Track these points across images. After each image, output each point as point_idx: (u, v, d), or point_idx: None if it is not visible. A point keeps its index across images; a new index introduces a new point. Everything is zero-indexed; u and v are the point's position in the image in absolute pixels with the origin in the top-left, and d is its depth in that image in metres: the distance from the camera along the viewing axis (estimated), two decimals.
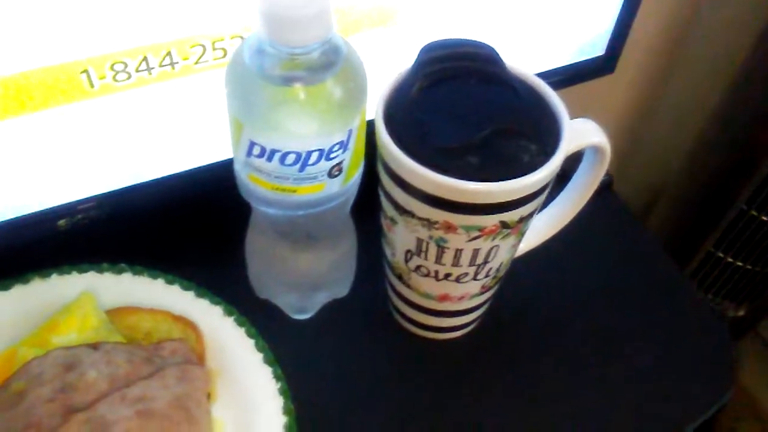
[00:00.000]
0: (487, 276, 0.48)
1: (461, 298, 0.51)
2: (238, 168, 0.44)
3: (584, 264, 0.65)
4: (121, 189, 0.52)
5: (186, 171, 0.54)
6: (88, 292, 0.51)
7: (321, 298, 0.57)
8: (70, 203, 0.52)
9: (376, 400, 0.54)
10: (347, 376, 0.55)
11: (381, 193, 0.46)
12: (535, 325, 0.60)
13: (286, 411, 0.48)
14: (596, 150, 0.46)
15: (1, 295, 0.52)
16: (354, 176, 0.45)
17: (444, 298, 0.50)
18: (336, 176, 0.43)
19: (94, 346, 0.47)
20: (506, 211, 0.41)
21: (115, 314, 0.52)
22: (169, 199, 0.54)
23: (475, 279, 0.48)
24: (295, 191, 0.43)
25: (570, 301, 0.62)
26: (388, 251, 0.51)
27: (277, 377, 0.50)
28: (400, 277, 0.51)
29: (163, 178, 0.53)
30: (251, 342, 0.52)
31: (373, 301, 0.59)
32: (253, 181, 0.43)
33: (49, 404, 0.43)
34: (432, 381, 0.55)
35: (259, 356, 0.51)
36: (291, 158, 0.40)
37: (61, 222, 0.53)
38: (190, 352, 0.49)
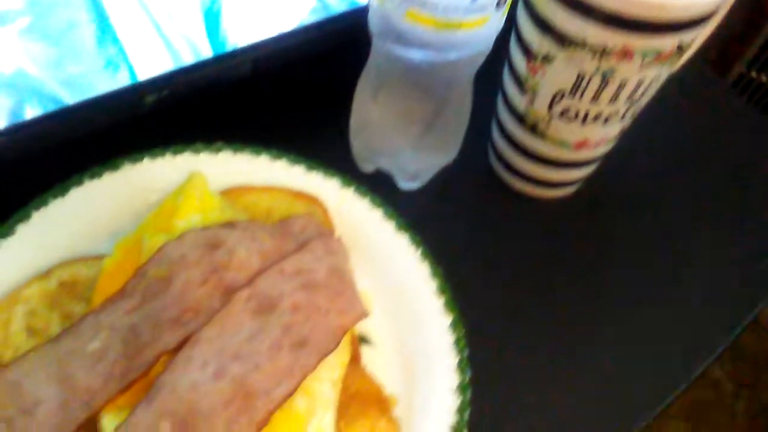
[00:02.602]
0: (631, 117, 0.47)
1: (597, 145, 0.49)
2: (391, 8, 0.39)
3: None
4: (207, 59, 0.47)
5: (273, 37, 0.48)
6: (198, 173, 0.46)
7: (431, 164, 0.53)
8: (156, 77, 0.46)
9: (494, 262, 0.52)
10: (464, 243, 0.53)
11: (528, 38, 0.43)
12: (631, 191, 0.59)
13: (435, 273, 0.46)
14: None
15: (93, 184, 0.46)
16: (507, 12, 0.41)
17: (581, 145, 0.48)
18: (501, 7, 0.39)
19: (230, 225, 0.43)
20: (687, 30, 0.39)
21: (228, 196, 0.47)
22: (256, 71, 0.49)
23: (621, 119, 0.46)
24: (459, 26, 0.38)
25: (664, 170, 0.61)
26: (521, 101, 0.48)
27: (415, 243, 0.47)
28: (533, 128, 0.48)
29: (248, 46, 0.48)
30: (379, 211, 0.48)
31: (481, 167, 0.56)
32: (410, 20, 0.39)
33: (202, 286, 0.39)
34: (546, 241, 0.54)
35: (391, 224, 0.48)
36: None
37: (148, 98, 0.47)
38: (321, 226, 0.46)
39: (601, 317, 0.51)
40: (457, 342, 0.43)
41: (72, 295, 0.42)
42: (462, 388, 0.41)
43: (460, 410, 0.40)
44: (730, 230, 0.57)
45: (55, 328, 0.40)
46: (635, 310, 0.51)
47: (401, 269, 0.46)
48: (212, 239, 0.41)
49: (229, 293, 0.39)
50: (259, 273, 0.40)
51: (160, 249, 0.41)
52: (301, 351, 0.38)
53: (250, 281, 0.40)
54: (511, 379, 0.46)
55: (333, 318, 0.40)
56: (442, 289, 0.45)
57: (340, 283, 0.42)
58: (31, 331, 0.40)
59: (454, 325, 0.43)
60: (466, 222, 0.54)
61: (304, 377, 0.37)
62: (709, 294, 0.53)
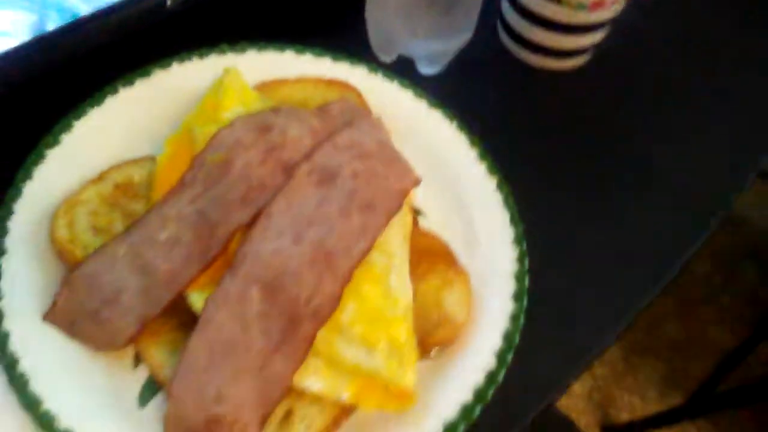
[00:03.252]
0: None
1: (613, 3, 0.50)
2: None
3: None
4: None
5: None
6: (232, 68, 0.46)
7: (448, 46, 0.54)
8: None
9: (517, 134, 0.54)
10: (486, 119, 0.54)
11: None
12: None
13: (473, 142, 0.47)
14: None
15: (127, 91, 0.46)
16: None
17: (597, 5, 0.50)
18: None
19: (276, 110, 0.43)
20: None
21: (262, 91, 0.47)
22: None
23: None
24: None
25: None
26: None
27: (450, 117, 0.48)
28: None
29: None
30: (409, 92, 0.49)
31: (493, 46, 0.58)
32: None
33: (262, 166, 0.40)
34: (561, 112, 0.56)
35: (422, 103, 0.49)
36: None
37: (169, 1, 0.47)
38: (358, 108, 0.47)
39: (611, 190, 0.53)
40: (506, 200, 0.45)
41: (129, 195, 0.42)
42: (518, 240, 0.43)
43: (520, 259, 0.42)
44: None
45: (119, 225, 0.41)
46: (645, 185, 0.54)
47: (440, 143, 0.48)
48: (262, 123, 0.42)
49: (289, 170, 0.40)
50: (314, 149, 0.41)
51: (213, 137, 0.41)
52: (370, 213, 0.39)
53: (307, 156, 0.41)
54: None
55: (392, 182, 0.41)
56: (483, 156, 0.46)
57: (391, 152, 0.43)
58: (96, 230, 0.40)
59: (501, 186, 0.45)
60: (486, 100, 0.55)
61: (376, 236, 0.38)
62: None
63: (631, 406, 1.43)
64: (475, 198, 0.45)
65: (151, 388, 0.38)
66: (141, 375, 0.38)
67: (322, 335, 0.36)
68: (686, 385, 1.42)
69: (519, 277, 0.42)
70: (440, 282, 0.40)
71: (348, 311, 0.37)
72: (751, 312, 1.55)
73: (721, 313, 1.57)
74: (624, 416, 1.38)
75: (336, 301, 0.36)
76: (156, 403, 0.37)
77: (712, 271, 1.63)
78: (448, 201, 0.46)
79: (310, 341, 0.36)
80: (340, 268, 0.37)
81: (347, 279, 0.37)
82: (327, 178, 0.40)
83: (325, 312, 0.36)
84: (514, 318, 0.40)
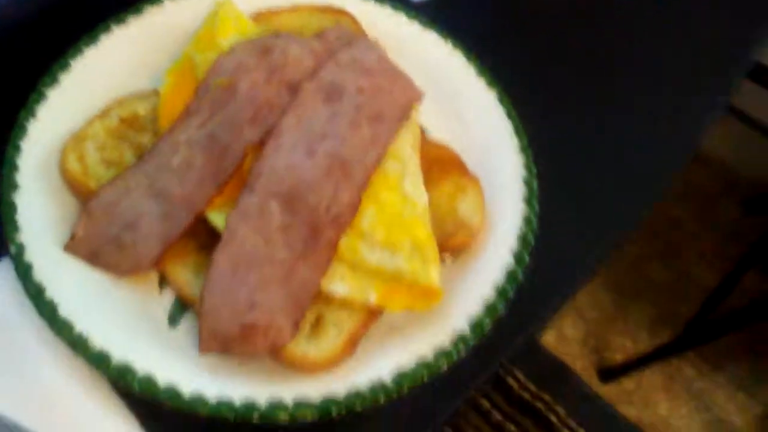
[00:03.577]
0: None
1: None
2: None
3: None
4: None
5: None
6: (225, 0, 0.46)
7: None
8: None
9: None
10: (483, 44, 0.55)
11: None
12: None
13: (470, 57, 0.48)
14: None
15: (121, 30, 0.45)
16: None
17: None
18: None
19: (276, 34, 0.43)
20: None
21: (256, 21, 0.47)
22: None
23: None
24: None
25: None
26: None
27: (444, 36, 0.49)
28: None
29: None
30: (401, 15, 0.50)
31: None
32: None
33: (268, 86, 0.40)
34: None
35: (415, 23, 0.49)
36: None
37: None
38: (354, 33, 0.47)
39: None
40: (508, 112, 0.45)
41: (135, 129, 0.42)
42: (524, 148, 0.44)
43: (528, 165, 0.43)
44: None
45: (129, 157, 0.41)
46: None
47: (437, 62, 0.48)
48: (263, 46, 0.42)
49: (294, 88, 0.40)
50: (317, 68, 0.41)
51: (215, 62, 0.41)
52: (379, 124, 0.40)
53: (312, 75, 0.41)
54: None
55: (397, 95, 0.41)
56: (481, 71, 0.47)
57: (393, 68, 0.43)
58: (107, 162, 0.40)
59: (501, 98, 0.46)
60: (477, 21, 0.55)
61: (387, 145, 0.39)
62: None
63: (624, 348, 1.46)
64: (477, 112, 0.46)
65: (179, 309, 0.38)
66: (167, 298, 0.38)
67: (344, 242, 0.37)
68: (675, 325, 1.45)
69: (528, 182, 0.42)
70: (453, 189, 0.41)
71: (367, 217, 0.37)
72: (732, 249, 1.59)
73: (702, 253, 1.61)
74: (618, 358, 1.41)
75: (355, 207, 0.37)
76: (186, 322, 0.37)
77: (691, 213, 1.66)
78: (451, 117, 0.46)
79: (334, 248, 0.36)
80: (356, 176, 0.37)
81: (364, 186, 0.37)
82: (333, 94, 0.40)
83: (346, 218, 0.37)
84: (528, 220, 0.41)
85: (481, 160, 0.44)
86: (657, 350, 1.31)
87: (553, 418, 1.34)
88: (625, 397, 1.43)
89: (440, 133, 0.46)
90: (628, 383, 1.42)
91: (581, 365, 1.44)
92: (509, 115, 0.45)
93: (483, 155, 0.44)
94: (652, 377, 1.43)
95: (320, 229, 0.36)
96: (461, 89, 0.47)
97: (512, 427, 1.31)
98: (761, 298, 1.18)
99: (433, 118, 0.46)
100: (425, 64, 0.48)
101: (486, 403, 1.32)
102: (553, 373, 1.38)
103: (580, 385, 1.39)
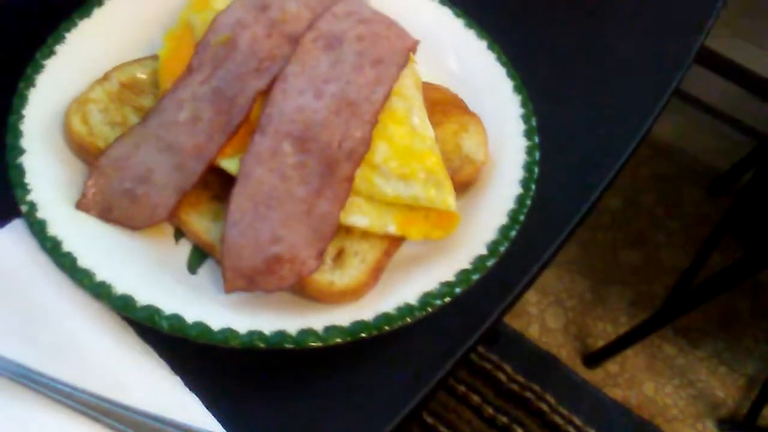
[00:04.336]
0: None
1: None
2: None
3: None
4: None
5: None
6: None
7: None
8: None
9: None
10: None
11: None
12: None
13: (468, 24, 0.49)
14: None
15: (113, 2, 0.46)
16: None
17: None
18: None
19: None
20: None
21: None
22: None
23: None
24: None
25: None
26: None
27: (442, 3, 0.50)
28: None
29: None
30: None
31: None
32: None
33: (268, 39, 0.41)
34: None
35: None
36: None
37: None
38: None
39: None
40: (499, 57, 0.47)
41: (136, 92, 0.42)
42: (518, 88, 0.46)
43: (524, 103, 0.45)
44: None
45: (133, 119, 0.41)
46: None
47: (425, 19, 0.49)
48: (260, 3, 0.43)
49: (294, 40, 0.41)
50: (314, 20, 0.42)
51: (213, 21, 0.42)
52: (381, 66, 0.41)
53: (310, 26, 0.42)
54: None
55: (395, 42, 0.42)
56: (470, 24, 0.49)
57: (387, 18, 0.45)
58: (111, 123, 0.40)
59: (492, 47, 0.48)
60: None
61: (392, 84, 0.40)
62: None
63: (606, 333, 1.48)
64: (469, 60, 0.47)
65: (198, 257, 0.38)
66: (184, 249, 0.38)
67: (359, 175, 0.37)
68: (651, 305, 1.49)
69: (526, 118, 0.44)
70: (456, 127, 0.42)
71: (380, 151, 0.38)
72: (697, 230, 1.64)
73: (670, 237, 1.65)
74: (600, 343, 1.43)
75: (367, 142, 0.38)
76: (205, 269, 0.37)
77: (657, 201, 1.71)
78: (444, 68, 0.48)
79: (350, 180, 0.37)
80: (365, 113, 0.38)
81: (373, 122, 0.38)
82: (333, 43, 0.41)
83: (359, 153, 0.37)
84: (530, 151, 0.42)
85: (477, 102, 0.45)
86: (636, 329, 1.33)
87: (544, 407, 1.35)
88: (610, 380, 1.45)
89: (436, 82, 0.47)
90: (612, 366, 1.44)
91: (566, 354, 1.46)
92: (500, 61, 0.47)
93: (479, 98, 0.45)
94: (635, 359, 1.45)
95: (335, 164, 0.37)
96: (451, 41, 0.48)
97: (504, 419, 1.32)
98: (727, 270, 1.22)
99: (425, 69, 0.47)
100: (414, 18, 0.49)
101: (476, 398, 1.33)
102: (540, 364, 1.40)
103: (567, 373, 1.41)
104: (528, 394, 1.38)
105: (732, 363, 1.47)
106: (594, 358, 1.41)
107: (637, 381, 1.43)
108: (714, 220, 1.60)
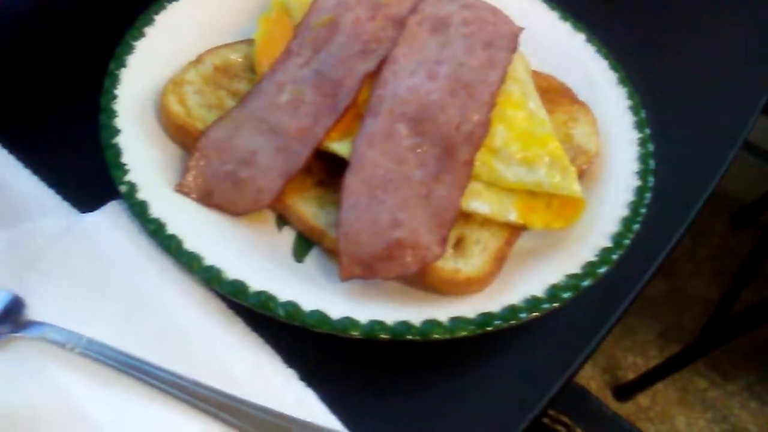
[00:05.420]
0: None
1: None
2: None
3: None
4: None
5: None
6: None
7: None
8: None
9: None
10: None
11: None
12: None
13: (564, 17, 0.48)
14: None
15: None
16: None
17: None
18: None
19: None
20: None
21: None
22: None
23: None
24: None
25: None
26: None
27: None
28: None
29: None
30: None
31: None
32: None
33: (372, 21, 0.40)
34: None
35: None
36: None
37: None
38: None
39: None
40: (599, 50, 0.45)
41: (230, 76, 0.40)
42: (623, 81, 0.44)
43: (631, 95, 0.43)
44: None
45: (229, 102, 0.39)
46: None
47: (518, 7, 0.47)
48: None
49: (398, 23, 0.40)
50: (417, 4, 0.41)
51: (313, 4, 0.40)
52: (492, 49, 0.39)
53: (414, 9, 0.40)
54: None
55: (501, 26, 0.41)
56: (565, 16, 0.47)
57: (489, 4, 0.43)
58: (208, 106, 0.38)
59: (591, 40, 0.46)
60: None
61: (506, 67, 0.38)
62: None
63: (635, 365, 1.45)
64: (569, 53, 0.45)
65: (303, 245, 0.35)
66: (287, 236, 0.36)
67: (478, 160, 0.35)
68: (681, 337, 1.46)
69: (635, 110, 0.42)
70: (566, 117, 0.40)
71: (499, 134, 0.36)
72: (724, 261, 1.62)
73: (698, 267, 1.63)
74: (630, 375, 1.39)
75: (486, 125, 0.35)
76: (312, 257, 0.35)
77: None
78: (544, 59, 0.45)
79: (470, 164, 0.35)
80: (482, 96, 0.36)
81: (491, 105, 0.36)
82: (439, 26, 0.39)
83: (479, 135, 0.35)
84: (643, 143, 0.40)
85: (581, 94, 0.43)
86: (668, 362, 1.30)
87: None
88: (642, 413, 1.41)
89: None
90: (643, 400, 1.40)
91: (596, 386, 1.42)
92: (601, 53, 0.45)
93: (582, 89, 0.43)
94: (665, 392, 1.41)
95: (454, 147, 0.35)
96: (548, 33, 0.46)
97: None
98: (760, 304, 1.19)
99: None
100: (508, 9, 0.47)
101: None
102: (570, 396, 1.35)
103: (599, 406, 1.36)
104: (559, 428, 1.33)
105: (764, 396, 1.43)
106: (625, 391, 1.37)
107: (669, 415, 1.38)
108: (739, 251, 1.58)
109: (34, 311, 0.31)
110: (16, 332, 0.30)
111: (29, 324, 0.31)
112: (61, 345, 0.30)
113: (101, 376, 0.29)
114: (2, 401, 0.28)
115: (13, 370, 0.29)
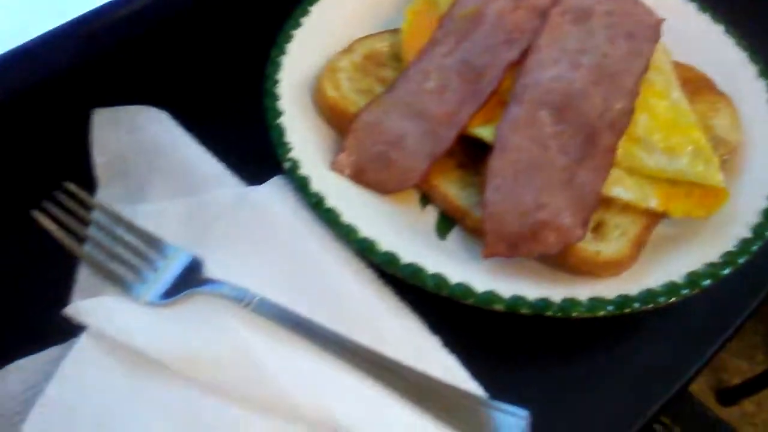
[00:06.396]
0: None
1: None
2: None
3: None
4: None
5: None
6: None
7: None
8: None
9: None
10: None
11: None
12: None
13: (702, 8, 0.47)
14: None
15: None
16: None
17: None
18: None
19: None
20: None
21: None
22: None
23: None
24: None
25: None
26: None
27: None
28: None
29: None
30: None
31: None
32: None
33: (515, 12, 0.41)
34: None
35: None
36: None
37: None
38: None
39: None
40: (738, 41, 0.45)
41: (377, 64, 0.43)
42: (764, 73, 0.43)
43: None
44: None
45: (377, 88, 0.42)
46: None
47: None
48: None
49: (540, 14, 0.41)
50: None
51: None
52: (634, 40, 0.40)
53: (556, 1, 0.41)
54: None
55: (643, 17, 0.41)
56: (704, 8, 0.47)
57: None
58: (359, 91, 0.41)
59: (728, 30, 0.46)
60: None
61: (649, 56, 0.39)
62: None
63: (741, 369, 1.39)
64: (708, 44, 0.45)
65: (446, 223, 0.38)
66: (430, 215, 0.38)
67: (620, 147, 0.36)
68: None
69: None
70: (707, 107, 0.41)
71: (642, 123, 0.37)
72: None
73: None
74: (735, 380, 1.34)
75: (629, 114, 0.36)
76: (454, 235, 0.37)
77: None
78: (684, 50, 0.45)
79: (613, 152, 0.36)
80: (625, 85, 0.37)
81: (634, 94, 0.37)
82: (581, 17, 0.41)
83: (622, 124, 0.36)
84: None
85: (721, 85, 0.43)
86: None
87: None
88: (746, 419, 1.36)
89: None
90: (749, 405, 1.34)
91: (698, 388, 1.38)
92: (741, 45, 0.45)
93: (721, 81, 0.43)
94: None
95: (597, 135, 0.36)
96: (687, 24, 0.46)
97: None
98: None
99: None
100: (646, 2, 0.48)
101: None
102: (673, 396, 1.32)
103: (700, 408, 1.32)
104: (657, 426, 1.31)
105: None
106: (729, 395, 1.32)
107: None
108: None
109: (210, 271, 0.35)
110: (196, 288, 0.34)
111: (207, 281, 0.35)
112: (237, 301, 0.34)
113: (272, 331, 0.33)
114: (187, 346, 0.32)
115: (196, 321, 0.33)
